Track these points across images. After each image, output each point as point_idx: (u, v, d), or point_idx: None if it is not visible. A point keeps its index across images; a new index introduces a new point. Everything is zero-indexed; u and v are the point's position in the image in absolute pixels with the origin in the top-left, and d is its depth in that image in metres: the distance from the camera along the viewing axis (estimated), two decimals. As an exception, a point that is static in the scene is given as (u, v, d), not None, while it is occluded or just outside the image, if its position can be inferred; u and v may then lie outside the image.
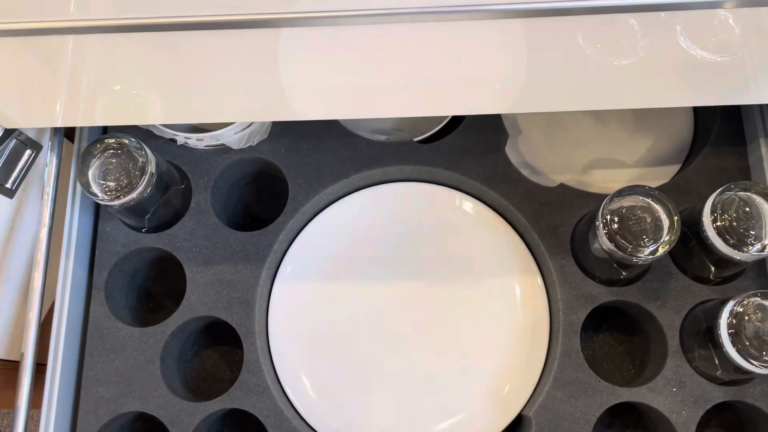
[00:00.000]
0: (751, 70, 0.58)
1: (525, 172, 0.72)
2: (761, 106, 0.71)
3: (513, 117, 0.77)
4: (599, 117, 0.79)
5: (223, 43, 0.56)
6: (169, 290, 0.74)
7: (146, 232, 0.70)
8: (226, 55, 0.58)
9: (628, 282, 0.67)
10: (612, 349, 0.72)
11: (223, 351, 0.74)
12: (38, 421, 0.63)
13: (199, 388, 0.72)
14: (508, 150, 0.73)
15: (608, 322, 0.73)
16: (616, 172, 0.77)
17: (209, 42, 0.57)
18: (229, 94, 0.60)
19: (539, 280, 0.70)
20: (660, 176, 0.75)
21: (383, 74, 0.59)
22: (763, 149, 0.69)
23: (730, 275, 0.67)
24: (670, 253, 0.67)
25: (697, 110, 0.78)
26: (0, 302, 0.73)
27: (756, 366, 0.57)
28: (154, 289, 0.76)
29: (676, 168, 0.76)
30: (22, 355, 0.62)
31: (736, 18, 0.54)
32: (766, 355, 0.57)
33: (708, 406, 0.64)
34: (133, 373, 0.66)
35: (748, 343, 0.57)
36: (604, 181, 0.76)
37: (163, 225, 0.70)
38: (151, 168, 0.63)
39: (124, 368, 0.67)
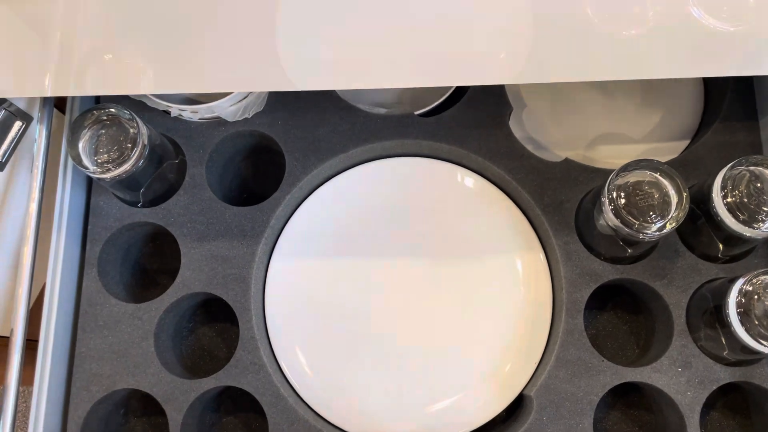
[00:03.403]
0: (765, 39, 0.56)
1: (529, 147, 0.70)
2: (775, 79, 0.68)
3: (517, 90, 0.75)
4: (606, 90, 0.76)
5: (218, 6, 0.55)
6: (163, 266, 0.73)
7: (141, 206, 0.68)
8: (221, 20, 0.56)
9: (633, 260, 0.65)
10: (616, 329, 0.71)
11: (219, 328, 0.72)
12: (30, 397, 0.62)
13: (195, 365, 0.71)
14: (512, 124, 0.71)
15: (613, 301, 0.71)
16: (623, 147, 0.75)
17: (203, 3, 0.55)
18: (224, 61, 0.58)
19: (542, 257, 0.68)
20: (668, 151, 0.73)
21: (384, 42, 0.57)
22: (776, 123, 0.67)
23: (739, 253, 0.65)
24: (678, 231, 0.66)
25: (707, 83, 0.76)
26: (-8, 278, 0.72)
27: (765, 346, 0.55)
28: (149, 264, 0.74)
29: (685, 143, 0.74)
30: (12, 330, 0.60)
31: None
32: (775, 335, 0.55)
33: (714, 387, 0.63)
34: (126, 349, 0.65)
35: (757, 323, 0.56)
36: (611, 156, 0.74)
37: (158, 199, 0.69)
38: (143, 140, 0.61)
39: (118, 345, 0.65)
